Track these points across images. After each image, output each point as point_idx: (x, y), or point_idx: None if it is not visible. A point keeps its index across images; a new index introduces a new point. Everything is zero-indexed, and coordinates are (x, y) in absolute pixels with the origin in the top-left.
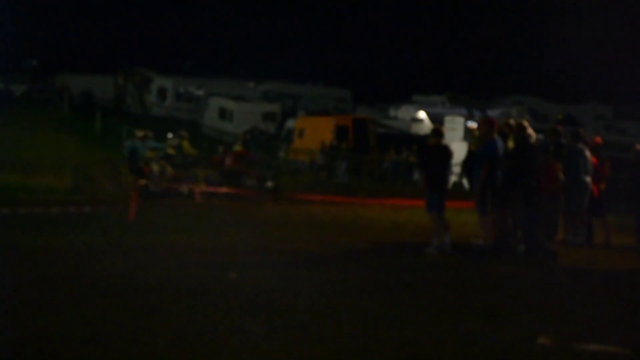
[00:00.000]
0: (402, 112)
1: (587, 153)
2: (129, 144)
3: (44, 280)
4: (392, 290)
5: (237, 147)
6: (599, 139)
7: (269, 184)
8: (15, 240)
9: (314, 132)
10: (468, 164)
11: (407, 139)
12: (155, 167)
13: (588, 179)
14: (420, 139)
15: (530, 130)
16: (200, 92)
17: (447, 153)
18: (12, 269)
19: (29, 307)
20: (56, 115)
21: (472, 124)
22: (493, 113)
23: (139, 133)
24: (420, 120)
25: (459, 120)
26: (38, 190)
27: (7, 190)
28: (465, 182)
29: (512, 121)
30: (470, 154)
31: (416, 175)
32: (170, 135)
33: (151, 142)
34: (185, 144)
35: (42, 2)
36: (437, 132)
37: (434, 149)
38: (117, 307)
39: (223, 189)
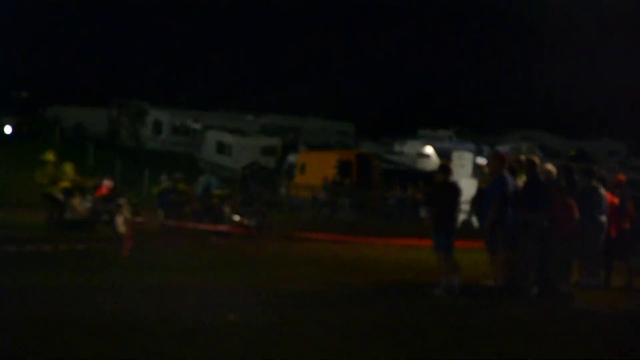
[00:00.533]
0: (408, 147)
1: (602, 191)
2: (204, 178)
3: (33, 320)
4: (398, 334)
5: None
6: (621, 177)
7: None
8: (2, 278)
9: (316, 168)
10: (477, 202)
11: (413, 175)
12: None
13: (603, 218)
14: (427, 175)
15: (549, 166)
16: (197, 126)
17: (455, 190)
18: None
19: (16, 349)
20: (47, 148)
21: (481, 160)
22: (503, 148)
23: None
24: (427, 156)
25: (468, 155)
26: (28, 227)
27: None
28: (474, 220)
29: (522, 157)
30: (479, 191)
31: (423, 213)
32: (163, 177)
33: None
34: (182, 187)
35: (32, 33)
36: (445, 168)
37: (441, 185)
38: (110, 350)
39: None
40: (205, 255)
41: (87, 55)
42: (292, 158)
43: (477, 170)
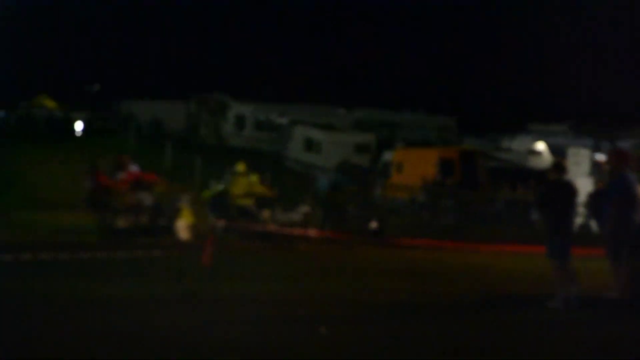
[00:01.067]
0: (517, 143)
1: None
2: (330, 176)
3: (109, 336)
4: (509, 352)
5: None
6: None
7: (372, 224)
8: (77, 289)
9: (415, 166)
10: (595, 203)
11: (523, 174)
12: None
13: None
14: (539, 174)
15: None
16: (283, 121)
17: (570, 190)
18: (73, 322)
19: None
20: (121, 146)
21: (600, 157)
22: (624, 144)
23: (241, 167)
24: (539, 153)
25: (584, 152)
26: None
27: (67, 232)
28: (593, 224)
29: None
30: (597, 192)
31: (535, 216)
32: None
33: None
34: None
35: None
36: (559, 166)
37: (555, 185)
38: None
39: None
40: (291, 263)
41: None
42: (387, 156)
43: (595, 168)
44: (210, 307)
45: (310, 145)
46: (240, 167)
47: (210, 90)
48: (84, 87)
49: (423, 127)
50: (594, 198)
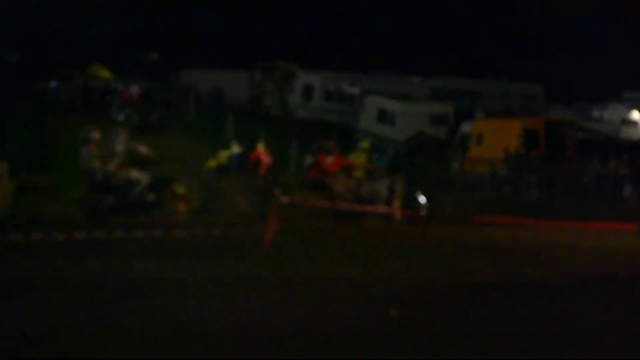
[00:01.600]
0: (610, 113)
1: None
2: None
3: (167, 322)
4: (600, 338)
5: None
6: None
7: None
8: (130, 271)
9: (496, 138)
10: None
11: (616, 146)
12: None
13: None
14: (633, 146)
15: None
16: (354, 91)
17: None
18: (130, 306)
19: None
20: (181, 118)
21: None
22: None
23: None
24: (634, 123)
25: None
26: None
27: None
28: None
29: None
30: None
31: (627, 191)
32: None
33: None
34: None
35: None
36: None
37: None
38: (254, 358)
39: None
40: (362, 242)
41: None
42: (466, 127)
43: None
44: (273, 289)
45: (383, 116)
46: (365, 144)
47: (275, 59)
48: (141, 56)
49: (506, 95)
50: None
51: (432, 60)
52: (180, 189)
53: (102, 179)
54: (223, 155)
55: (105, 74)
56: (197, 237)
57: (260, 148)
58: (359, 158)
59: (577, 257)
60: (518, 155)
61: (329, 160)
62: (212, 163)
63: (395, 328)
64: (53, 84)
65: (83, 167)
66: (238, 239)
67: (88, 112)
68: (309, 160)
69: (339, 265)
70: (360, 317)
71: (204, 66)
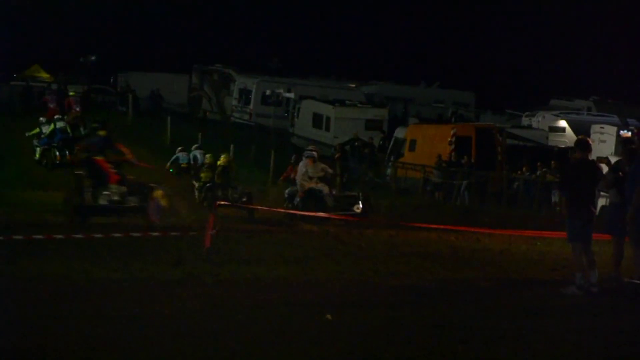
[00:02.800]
0: (538, 120)
1: None
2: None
3: (105, 321)
4: (522, 340)
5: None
6: None
7: (357, 208)
8: (69, 272)
9: (429, 144)
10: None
11: (544, 153)
12: None
13: None
14: (561, 153)
15: None
16: (290, 95)
17: (594, 170)
18: (66, 307)
19: (85, 354)
20: (119, 121)
21: (626, 133)
22: None
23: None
24: (561, 130)
25: (610, 129)
26: None
27: (61, 213)
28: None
29: None
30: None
31: (555, 198)
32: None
33: None
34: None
35: None
36: (583, 145)
37: (578, 165)
38: (192, 352)
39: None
40: (297, 245)
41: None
42: (400, 133)
43: (621, 146)
44: (210, 290)
45: (319, 121)
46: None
47: (213, 63)
48: (80, 58)
49: (439, 102)
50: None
51: (366, 66)
52: (160, 196)
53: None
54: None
55: (43, 76)
56: (135, 239)
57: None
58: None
59: (507, 262)
60: (450, 161)
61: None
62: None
63: (330, 331)
64: None
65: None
66: (177, 242)
67: (28, 114)
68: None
69: (275, 267)
70: (296, 319)
71: (141, 69)
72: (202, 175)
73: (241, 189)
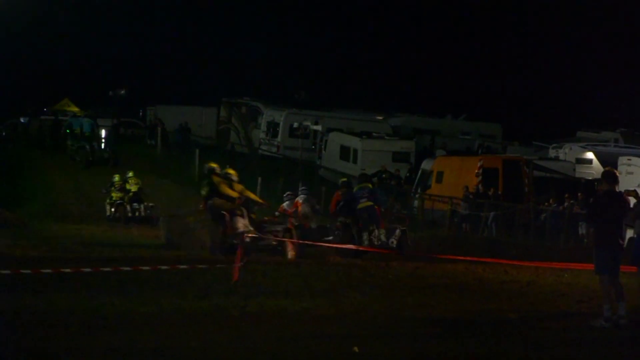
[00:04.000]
0: (565, 152)
1: None
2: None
3: (133, 355)
4: None
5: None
6: None
7: (393, 241)
8: (100, 304)
9: (456, 176)
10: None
11: (571, 185)
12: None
13: None
14: (588, 185)
15: None
16: (317, 127)
17: (622, 202)
18: (95, 341)
19: None
20: (148, 154)
21: None
22: None
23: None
24: (588, 162)
25: (637, 161)
26: (126, 245)
27: (91, 246)
28: None
29: None
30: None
31: (582, 230)
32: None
33: None
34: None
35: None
36: (610, 176)
37: (605, 197)
38: None
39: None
40: (325, 277)
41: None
42: (427, 165)
43: None
44: (237, 323)
45: (346, 153)
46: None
47: (241, 96)
48: (109, 91)
49: (466, 134)
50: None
51: (393, 98)
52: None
53: None
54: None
55: (73, 109)
56: (163, 272)
57: None
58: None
59: (534, 294)
60: (477, 193)
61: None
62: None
63: None
64: (22, 119)
65: None
66: (204, 274)
67: (56, 146)
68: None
69: (302, 300)
70: (323, 352)
71: (170, 102)
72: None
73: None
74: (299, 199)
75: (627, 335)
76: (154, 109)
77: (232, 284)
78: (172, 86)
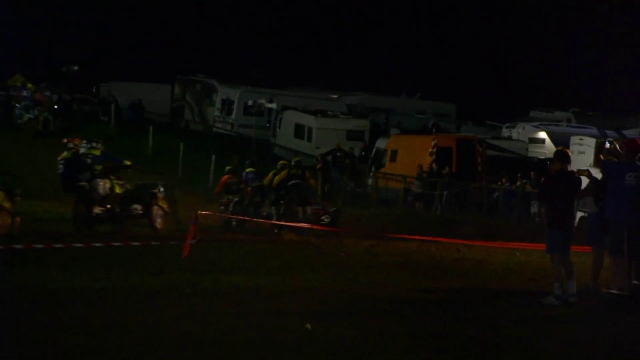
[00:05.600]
0: (518, 131)
1: None
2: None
3: (84, 330)
4: (502, 349)
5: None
6: None
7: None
8: (49, 280)
9: (410, 154)
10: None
11: (524, 164)
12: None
13: None
14: (541, 164)
15: None
16: (272, 105)
17: (574, 181)
18: (46, 317)
19: (64, 358)
20: (101, 130)
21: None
22: (631, 133)
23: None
24: (541, 141)
25: (589, 141)
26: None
27: (44, 221)
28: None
29: None
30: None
31: (534, 209)
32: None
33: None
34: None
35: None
36: (562, 156)
37: (557, 176)
38: None
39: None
40: (280, 255)
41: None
42: (381, 143)
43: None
44: (190, 300)
45: (300, 131)
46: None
47: (196, 73)
48: (62, 68)
49: (420, 113)
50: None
51: (348, 77)
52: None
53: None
54: None
55: (27, 86)
56: (116, 248)
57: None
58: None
59: (486, 272)
60: (431, 172)
61: None
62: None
63: (309, 340)
64: None
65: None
66: (157, 251)
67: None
68: None
69: (256, 277)
70: (276, 328)
71: (123, 79)
72: None
73: None
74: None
75: (577, 313)
76: (108, 86)
77: (182, 260)
78: (126, 62)
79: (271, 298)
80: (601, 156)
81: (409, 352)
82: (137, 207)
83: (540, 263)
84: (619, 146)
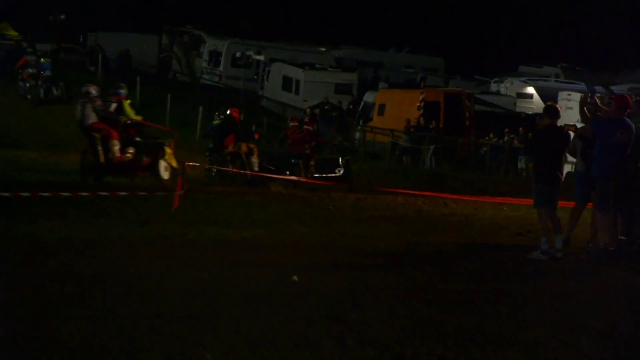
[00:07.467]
0: (506, 86)
1: None
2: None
3: (71, 279)
4: (488, 303)
5: None
6: None
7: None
8: (36, 230)
9: (397, 109)
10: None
11: (512, 119)
12: None
13: None
14: (528, 119)
15: None
16: (260, 57)
17: (561, 136)
18: (33, 266)
19: (50, 310)
20: (88, 80)
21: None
22: (619, 89)
23: None
24: (529, 96)
25: (577, 96)
26: (65, 171)
27: (29, 170)
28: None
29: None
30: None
31: (522, 164)
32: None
33: None
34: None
35: None
36: (551, 111)
37: (546, 131)
38: (156, 314)
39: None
40: (267, 207)
41: None
42: (369, 97)
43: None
44: (177, 251)
45: (288, 84)
46: None
47: (183, 24)
48: (49, 16)
49: (408, 67)
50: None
51: (337, 30)
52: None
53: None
54: None
55: (12, 34)
56: (103, 199)
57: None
58: None
59: (473, 226)
60: (418, 126)
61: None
62: None
63: (296, 292)
64: None
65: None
66: (144, 202)
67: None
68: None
69: (244, 229)
70: (263, 280)
71: (111, 29)
72: None
73: None
74: None
75: (563, 268)
76: (95, 36)
77: (172, 211)
78: (114, 12)
79: (258, 250)
80: (585, 110)
81: (395, 304)
82: (145, 159)
83: (527, 218)
84: (599, 101)
